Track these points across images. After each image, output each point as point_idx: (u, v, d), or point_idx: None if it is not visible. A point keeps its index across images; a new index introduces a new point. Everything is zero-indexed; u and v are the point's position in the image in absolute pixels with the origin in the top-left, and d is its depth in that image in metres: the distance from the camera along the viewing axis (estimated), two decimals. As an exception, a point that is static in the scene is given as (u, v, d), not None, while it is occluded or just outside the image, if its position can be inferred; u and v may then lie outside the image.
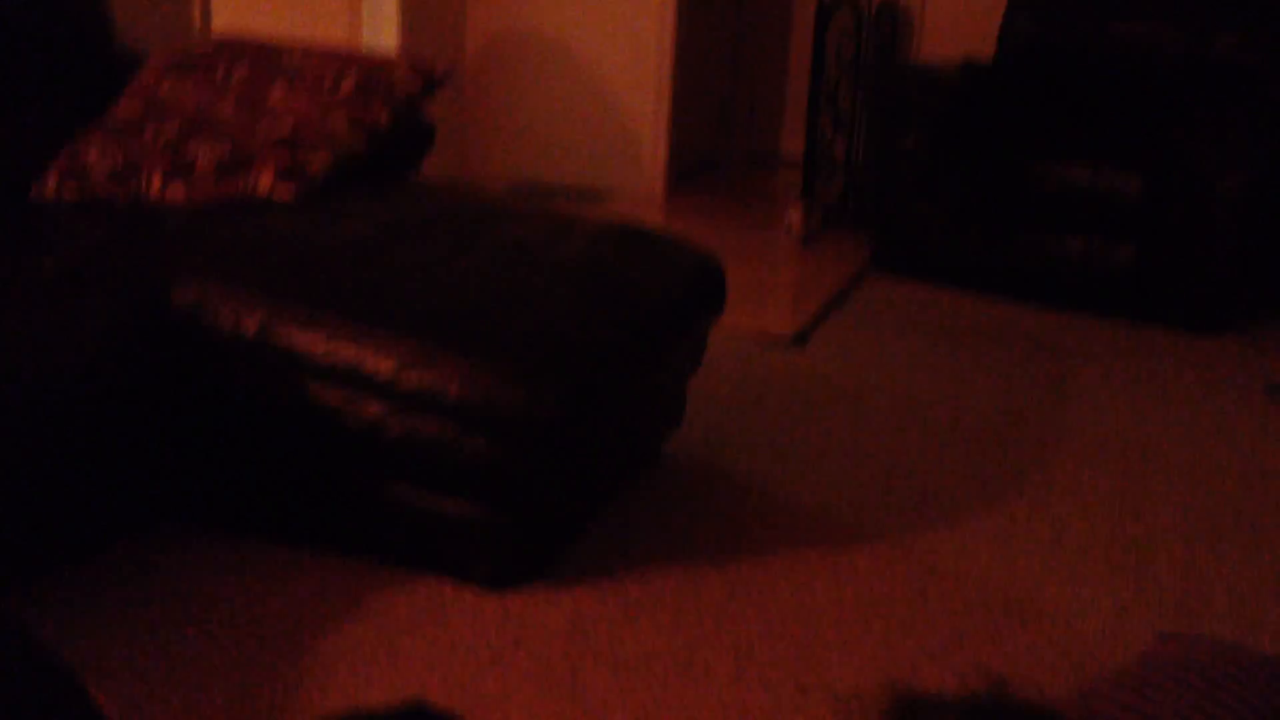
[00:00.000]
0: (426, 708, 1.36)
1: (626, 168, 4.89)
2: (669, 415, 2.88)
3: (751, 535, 2.68)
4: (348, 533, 2.48)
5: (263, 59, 3.12)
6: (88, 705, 1.24)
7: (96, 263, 2.48)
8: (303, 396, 2.36)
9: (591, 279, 2.62)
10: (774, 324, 3.71)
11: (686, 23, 4.92)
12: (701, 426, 3.01)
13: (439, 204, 2.94)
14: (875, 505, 2.82)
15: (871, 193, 4.33)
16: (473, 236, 2.71)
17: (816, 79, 4.51)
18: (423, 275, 2.51)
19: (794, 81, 5.40)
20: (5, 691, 1.18)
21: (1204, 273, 3.77)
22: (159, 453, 2.45)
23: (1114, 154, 3.85)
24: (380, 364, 2.31)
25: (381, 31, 4.76)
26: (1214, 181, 3.69)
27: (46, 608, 2.23)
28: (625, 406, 2.60)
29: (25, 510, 2.19)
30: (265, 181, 2.79)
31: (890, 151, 4.11)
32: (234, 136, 2.86)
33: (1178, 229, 3.74)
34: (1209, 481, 2.97)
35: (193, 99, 2.97)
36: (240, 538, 2.49)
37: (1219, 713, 1.22)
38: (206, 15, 4.09)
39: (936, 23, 4.86)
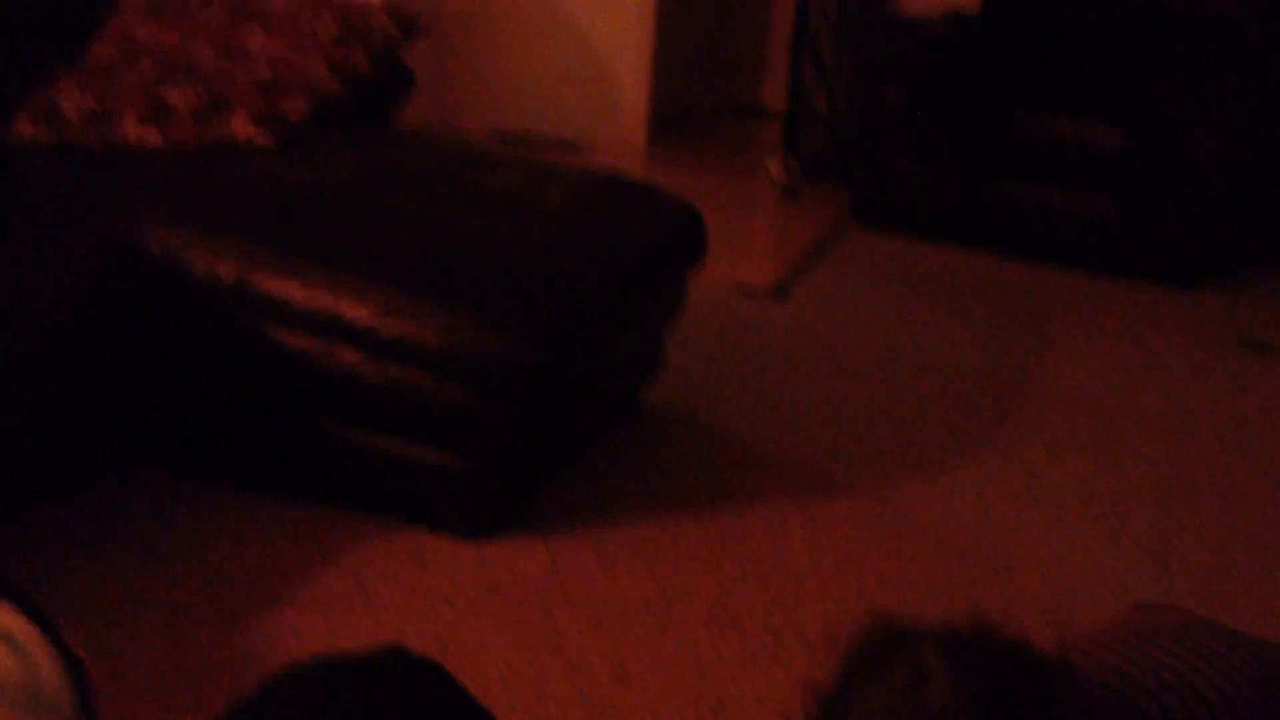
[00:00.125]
0: (404, 653, 1.36)
1: (607, 118, 4.86)
2: (648, 365, 2.88)
3: (729, 485, 2.69)
4: (325, 481, 2.47)
5: (240, 2, 3.08)
6: (63, 649, 1.23)
7: (69, 207, 2.45)
8: (279, 344, 2.35)
9: (571, 228, 2.61)
10: (754, 275, 3.71)
11: (669, -29, 4.87)
12: (680, 377, 3.01)
13: (418, 152, 2.92)
14: (853, 456, 2.83)
15: (853, 145, 4.31)
16: (452, 185, 2.69)
17: (799, 30, 4.48)
18: (401, 223, 2.49)
19: (776, 32, 5.36)
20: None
21: (1184, 226, 3.77)
22: (133, 399, 2.44)
23: (1097, 107, 3.84)
24: (357, 312, 2.30)
25: (361, -23, 4.70)
26: (1196, 135, 3.69)
27: (19, 553, 2.22)
28: (604, 356, 2.59)
29: (-1, 456, 2.18)
30: (242, 127, 2.76)
31: (873, 103, 4.08)
32: (211, 81, 2.83)
33: (1159, 182, 3.74)
34: (1184, 434, 2.99)
35: (169, 42, 2.94)
36: (216, 485, 2.49)
37: (1193, 666, 1.23)
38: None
39: (921, -26, 4.82)
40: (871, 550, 2.49)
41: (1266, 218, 4.03)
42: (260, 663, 2.06)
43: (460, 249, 2.44)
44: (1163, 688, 1.19)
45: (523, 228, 2.55)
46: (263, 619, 2.19)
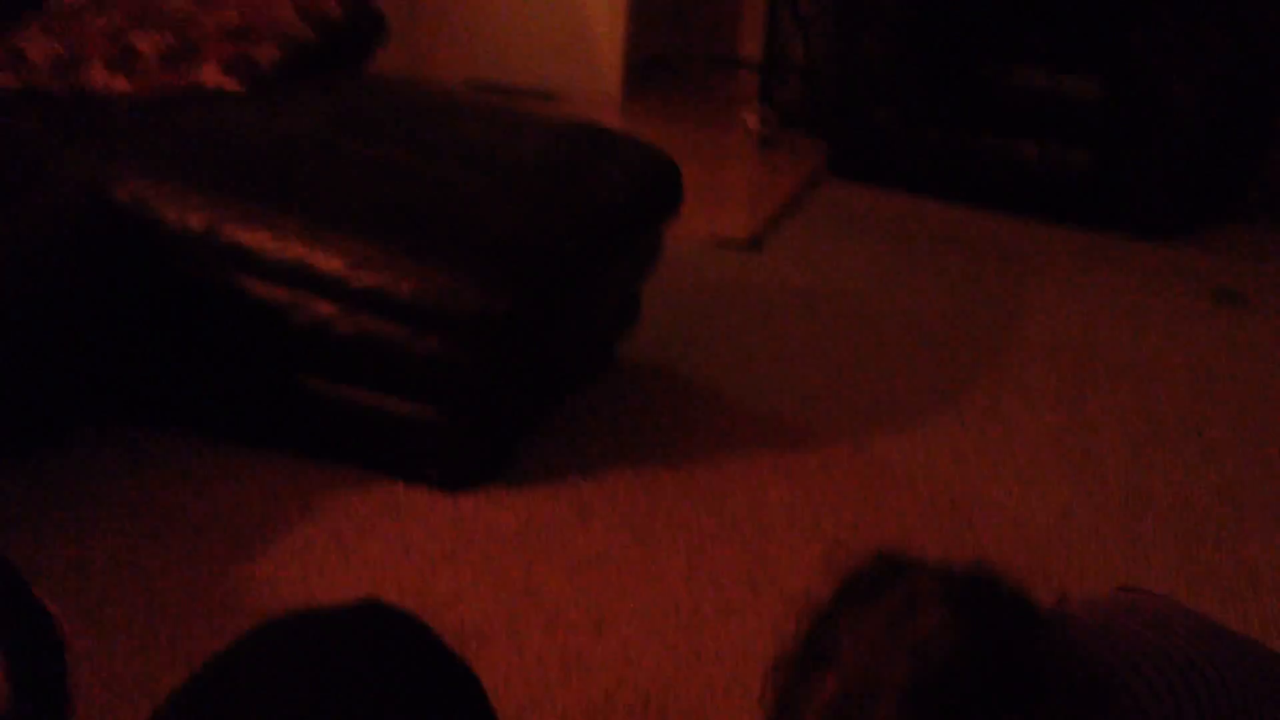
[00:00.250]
0: (381, 605, 1.36)
1: (582, 67, 4.81)
2: (624, 317, 2.87)
3: (705, 437, 2.69)
4: (299, 433, 2.46)
5: (208, -53, 3.02)
6: (31, 603, 1.22)
7: (37, 155, 2.41)
8: (252, 295, 2.33)
9: (546, 178, 2.58)
10: (730, 227, 3.69)
11: (644, -82, 4.81)
12: (656, 329, 3.00)
13: (391, 100, 2.88)
14: (828, 407, 2.83)
15: (830, 96, 4.29)
16: (425, 134, 2.66)
17: (776, -22, 4.44)
18: (374, 173, 2.47)
19: (753, -19, 5.31)
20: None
21: (1159, 178, 3.77)
22: (104, 350, 2.42)
23: (1073, 57, 3.83)
24: (330, 263, 2.28)
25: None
26: (1172, 85, 3.68)
27: (-8, 507, 2.21)
28: (579, 307, 2.58)
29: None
30: (212, 74, 2.72)
31: (849, 54, 4.06)
32: (180, 27, 2.78)
33: (1134, 133, 3.74)
34: (1156, 383, 3.01)
35: (135, -12, 2.89)
36: (190, 437, 2.47)
37: (1170, 641, 1.24)
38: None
39: (898, -78, 4.78)
40: (847, 501, 2.50)
41: (1242, 169, 4.04)
42: (237, 615, 2.06)
43: (434, 199, 2.42)
44: (1142, 656, 1.20)
45: (497, 178, 2.53)
46: (239, 571, 2.18)
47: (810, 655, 1.02)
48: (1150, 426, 2.83)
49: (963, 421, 2.80)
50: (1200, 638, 1.25)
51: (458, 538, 2.31)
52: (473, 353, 2.31)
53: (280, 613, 1.33)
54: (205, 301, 2.37)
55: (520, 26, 4.86)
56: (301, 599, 2.09)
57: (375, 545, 2.27)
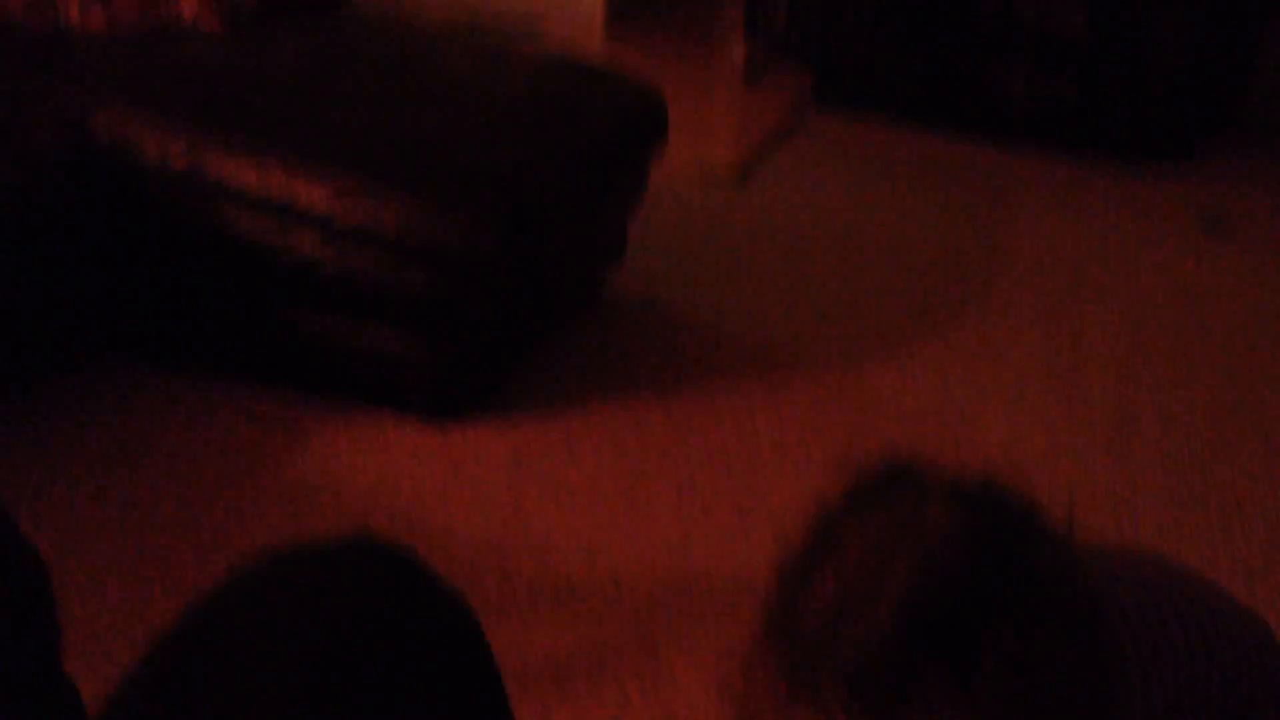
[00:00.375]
0: (373, 538, 1.36)
1: (564, 1, 4.76)
2: (610, 251, 2.86)
3: (693, 369, 2.69)
4: (287, 367, 2.45)
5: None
6: (15, 536, 1.22)
7: (14, 92, 2.39)
8: (236, 229, 2.31)
9: (531, 111, 2.56)
10: (717, 160, 3.67)
11: None
12: (643, 262, 2.99)
13: (372, 35, 2.85)
14: (816, 339, 2.83)
15: (816, 25, 4.25)
16: (407, 69, 2.63)
17: (760, -94, 4.38)
18: (356, 107, 2.44)
19: (737, -90, 5.24)
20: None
21: (1145, 105, 3.75)
22: (87, 288, 2.40)
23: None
24: (314, 196, 2.26)
25: None
26: (1158, 12, 3.66)
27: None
28: (565, 240, 2.57)
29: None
30: (189, 8, 2.68)
31: (835, -18, 4.02)
32: (154, -38, 2.74)
33: (1120, 61, 3.72)
34: (1143, 310, 3.01)
35: (109, -78, 2.84)
36: (175, 373, 2.46)
37: (1165, 574, 1.25)
38: None
39: None
40: (836, 429, 2.51)
41: (1228, 97, 4.02)
42: (225, 549, 2.07)
43: (417, 133, 2.40)
44: (1139, 583, 1.21)
45: (481, 112, 2.50)
46: (227, 505, 2.18)
47: (813, 554, 1.02)
48: (1137, 351, 2.84)
49: (950, 349, 2.81)
50: (1189, 582, 1.27)
51: (447, 470, 2.31)
52: (459, 286, 2.30)
53: (271, 547, 1.33)
54: (189, 237, 2.36)
55: (502, -41, 4.79)
56: (290, 532, 2.09)
57: (364, 478, 2.27)
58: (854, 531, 1.01)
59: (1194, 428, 2.58)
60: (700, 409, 2.54)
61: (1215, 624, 1.20)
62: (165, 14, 2.68)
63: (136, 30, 2.64)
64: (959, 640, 0.95)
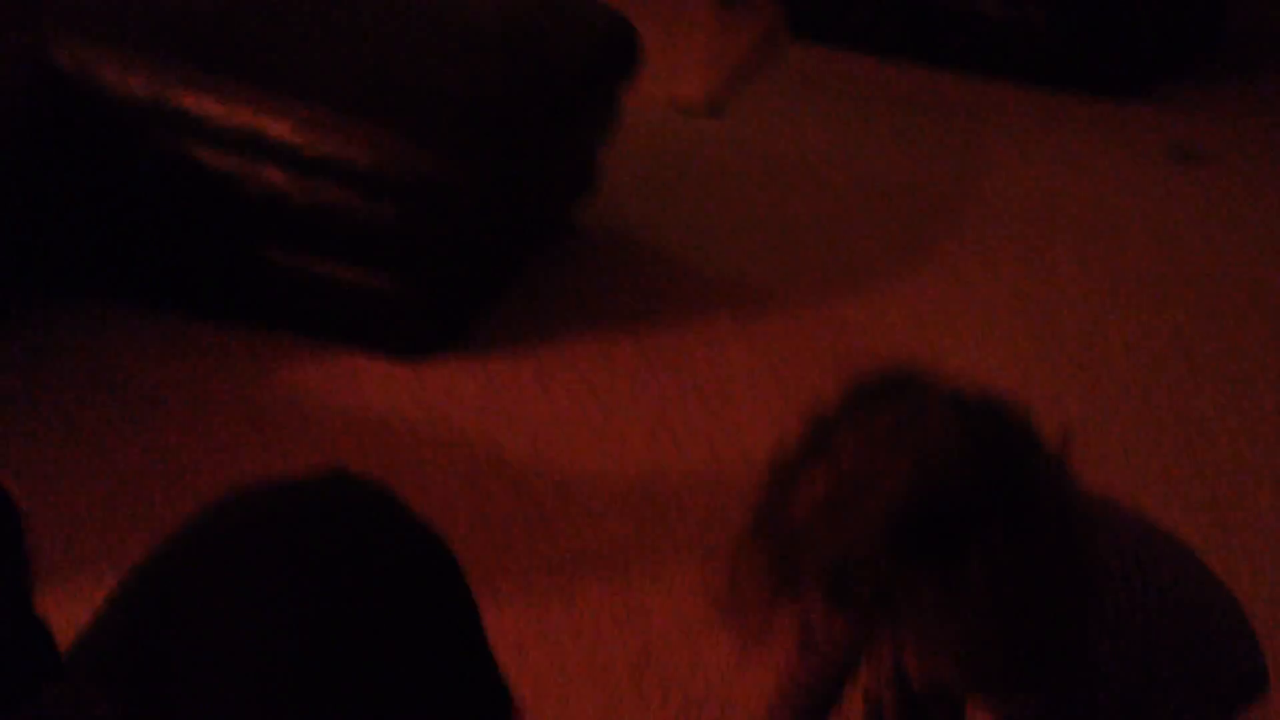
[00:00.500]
0: (347, 474, 1.35)
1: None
2: (581, 183, 2.83)
3: (665, 303, 2.68)
4: (257, 303, 2.43)
5: None
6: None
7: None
8: (201, 163, 2.28)
9: (500, 40, 2.52)
10: (689, 91, 3.64)
11: None
12: (615, 195, 2.96)
13: (337, -38, 2.79)
14: (789, 273, 2.82)
15: (788, -46, 4.20)
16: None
17: None
18: (323, 36, 2.40)
19: None
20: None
21: (1117, 36, 3.74)
22: (53, 221, 2.37)
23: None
24: (279, 128, 2.23)
25: None
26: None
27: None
28: (536, 171, 2.55)
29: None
30: (149, -65, 2.62)
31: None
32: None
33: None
34: (1115, 243, 3.01)
35: None
36: (143, 310, 2.44)
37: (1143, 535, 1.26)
38: None
39: None
40: (809, 362, 2.51)
41: (1201, 27, 4.00)
42: (196, 485, 2.06)
43: (385, 63, 2.36)
44: (1119, 513, 1.22)
45: (449, 41, 2.47)
46: (197, 442, 2.17)
47: (807, 454, 1.02)
48: (1106, 284, 2.85)
49: (923, 284, 2.80)
50: (1176, 546, 1.28)
51: (419, 406, 2.30)
52: (428, 220, 2.27)
53: (243, 483, 1.32)
54: (154, 170, 2.32)
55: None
56: (263, 470, 2.08)
57: (335, 415, 2.26)
58: (850, 433, 1.01)
59: (1163, 358, 2.60)
60: (672, 342, 2.53)
61: (1190, 592, 1.21)
62: (125, -59, 2.62)
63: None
64: (948, 541, 0.95)
